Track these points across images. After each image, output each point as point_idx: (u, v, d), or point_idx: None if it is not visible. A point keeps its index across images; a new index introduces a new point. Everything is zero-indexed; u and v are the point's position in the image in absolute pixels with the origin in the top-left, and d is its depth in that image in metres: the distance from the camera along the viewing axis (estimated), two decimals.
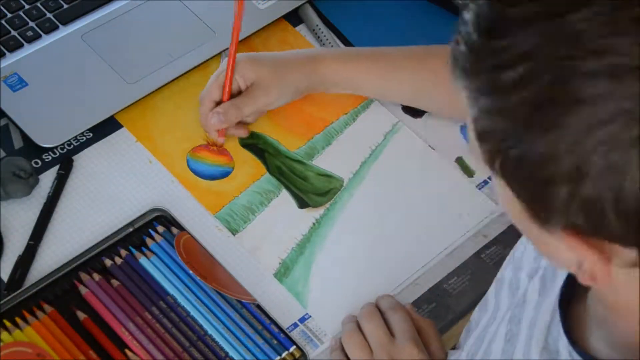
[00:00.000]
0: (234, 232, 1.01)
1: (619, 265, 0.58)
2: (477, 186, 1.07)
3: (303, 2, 1.18)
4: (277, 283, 0.98)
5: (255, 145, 1.08)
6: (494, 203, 1.05)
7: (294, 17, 1.18)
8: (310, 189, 1.05)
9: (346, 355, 0.93)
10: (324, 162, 1.07)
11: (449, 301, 1.00)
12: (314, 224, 1.02)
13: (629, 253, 0.57)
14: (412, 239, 1.02)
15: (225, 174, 1.05)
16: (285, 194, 1.04)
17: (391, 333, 0.92)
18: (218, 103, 1.04)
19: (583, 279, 0.60)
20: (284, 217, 1.03)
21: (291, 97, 1.06)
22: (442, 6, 1.21)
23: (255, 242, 1.00)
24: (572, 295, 0.73)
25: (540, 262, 0.79)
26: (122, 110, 1.07)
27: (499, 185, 0.60)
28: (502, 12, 0.54)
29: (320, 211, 1.03)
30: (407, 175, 1.07)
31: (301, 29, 1.18)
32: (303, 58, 1.06)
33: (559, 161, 0.53)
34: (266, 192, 1.04)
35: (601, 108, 0.51)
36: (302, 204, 1.04)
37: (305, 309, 0.97)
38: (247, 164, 1.06)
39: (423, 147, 1.09)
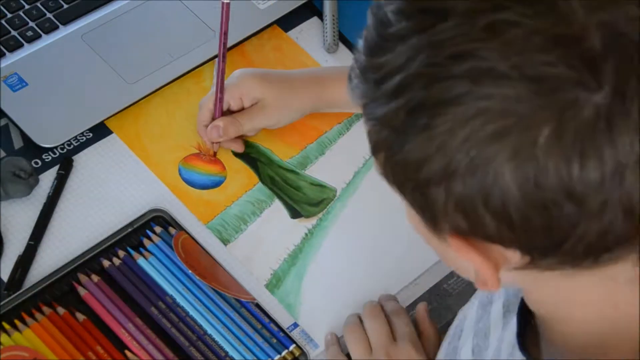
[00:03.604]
0: (225, 242, 1.00)
1: (510, 270, 0.60)
2: None
3: (303, 1, 1.18)
4: None
5: (248, 154, 1.07)
6: None
7: (285, 22, 1.17)
8: (303, 199, 1.04)
9: (343, 351, 0.94)
10: (317, 171, 1.06)
11: (449, 301, 1.00)
12: (306, 234, 1.02)
13: (513, 255, 0.58)
14: (406, 250, 1.02)
15: (217, 184, 1.05)
16: (277, 204, 1.03)
17: (393, 335, 0.93)
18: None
19: (477, 284, 0.62)
20: (276, 227, 1.02)
21: (293, 119, 1.07)
22: None
23: (247, 253, 1.00)
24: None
25: None
26: (113, 116, 1.06)
27: (398, 196, 0.62)
28: (382, 33, 0.58)
29: (312, 221, 1.03)
30: None
31: (291, 33, 1.17)
32: (309, 80, 1.06)
33: (431, 162, 0.56)
34: (258, 202, 1.03)
35: (462, 108, 0.54)
36: (295, 214, 1.03)
37: (296, 320, 0.96)
38: (239, 173, 1.05)
39: None
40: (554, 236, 0.56)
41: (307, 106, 1.06)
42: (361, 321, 0.95)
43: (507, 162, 0.53)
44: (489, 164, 0.54)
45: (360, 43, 0.61)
